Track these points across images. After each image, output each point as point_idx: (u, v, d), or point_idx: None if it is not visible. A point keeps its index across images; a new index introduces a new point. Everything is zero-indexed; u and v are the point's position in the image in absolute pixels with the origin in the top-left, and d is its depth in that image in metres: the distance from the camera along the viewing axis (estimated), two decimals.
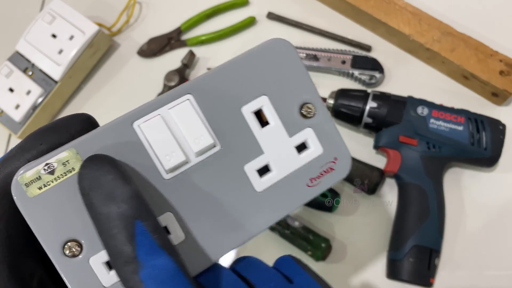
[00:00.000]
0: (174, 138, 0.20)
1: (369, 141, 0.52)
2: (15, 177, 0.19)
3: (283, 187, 0.22)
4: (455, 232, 0.48)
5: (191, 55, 0.59)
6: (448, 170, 0.50)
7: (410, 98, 0.49)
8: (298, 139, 0.22)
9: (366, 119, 0.49)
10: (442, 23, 0.53)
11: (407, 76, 0.55)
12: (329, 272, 0.49)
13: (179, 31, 0.63)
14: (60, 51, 0.59)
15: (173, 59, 0.61)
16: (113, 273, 0.19)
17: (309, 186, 0.22)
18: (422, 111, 0.48)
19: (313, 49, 0.56)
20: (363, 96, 0.49)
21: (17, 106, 0.59)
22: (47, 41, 0.59)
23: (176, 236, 0.20)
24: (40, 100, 0.59)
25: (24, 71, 0.60)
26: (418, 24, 0.53)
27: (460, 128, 0.47)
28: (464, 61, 0.51)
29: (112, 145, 0.20)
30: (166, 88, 0.59)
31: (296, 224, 0.49)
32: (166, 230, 0.20)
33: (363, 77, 0.54)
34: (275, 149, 0.21)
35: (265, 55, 0.22)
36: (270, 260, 0.53)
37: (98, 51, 0.62)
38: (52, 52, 0.59)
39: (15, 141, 0.62)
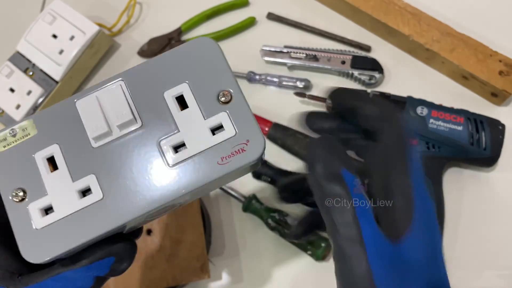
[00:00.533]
0: (102, 113, 0.24)
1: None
2: None
3: (194, 163, 0.24)
4: (455, 231, 0.48)
5: None
6: (448, 170, 0.50)
7: (410, 98, 0.49)
8: (213, 121, 0.25)
9: None
10: (442, 23, 0.53)
11: (406, 77, 0.55)
12: (329, 272, 0.49)
13: (179, 32, 0.63)
14: (61, 51, 0.59)
15: None
16: (44, 218, 0.24)
17: (219, 164, 0.24)
18: (421, 111, 0.48)
19: (313, 50, 0.56)
20: (362, 94, 0.50)
21: (18, 106, 0.59)
22: (48, 41, 0.59)
23: (96, 194, 0.24)
24: (40, 100, 0.59)
25: (25, 71, 0.60)
26: (417, 24, 0.53)
27: (460, 128, 0.47)
28: (463, 61, 0.51)
29: (59, 118, 0.25)
30: None
31: (296, 223, 0.49)
32: (88, 189, 0.24)
33: (363, 77, 0.54)
34: (190, 129, 0.25)
35: (189, 50, 0.26)
36: (269, 260, 0.53)
37: (99, 52, 0.62)
38: (52, 52, 0.59)
39: None
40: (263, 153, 0.25)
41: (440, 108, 0.48)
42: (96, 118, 0.24)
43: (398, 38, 0.55)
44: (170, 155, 0.24)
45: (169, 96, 0.25)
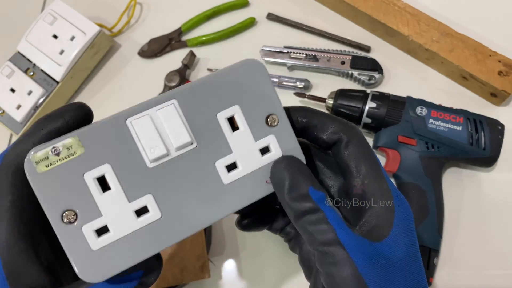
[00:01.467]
0: (158, 134, 0.24)
1: (368, 141, 0.52)
2: (27, 156, 0.23)
3: (246, 182, 0.26)
4: (455, 231, 0.48)
5: (192, 55, 0.60)
6: (447, 170, 0.50)
7: (409, 98, 0.49)
8: (262, 143, 0.26)
9: (365, 119, 0.49)
10: (441, 23, 0.53)
11: (406, 77, 0.55)
12: None
13: (179, 32, 0.63)
14: (61, 52, 0.59)
15: (174, 59, 0.61)
16: (100, 239, 0.24)
17: (267, 182, 0.26)
18: (421, 111, 0.48)
19: (312, 50, 0.56)
20: (362, 97, 0.50)
21: (19, 106, 0.59)
22: (48, 42, 0.60)
23: (154, 214, 0.24)
24: (41, 100, 0.59)
25: (26, 71, 0.60)
26: (417, 24, 0.53)
27: (459, 128, 0.47)
28: (463, 61, 0.51)
29: (109, 136, 0.24)
30: (167, 88, 0.59)
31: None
32: (146, 209, 0.24)
33: (363, 78, 0.54)
34: (242, 150, 0.26)
35: (240, 72, 0.27)
36: (269, 259, 0.54)
37: (99, 52, 0.62)
38: (53, 52, 0.59)
39: None
40: None
41: (440, 108, 0.48)
42: (153, 139, 0.24)
43: (398, 39, 0.55)
44: (225, 175, 0.26)
45: (222, 117, 0.26)
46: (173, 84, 0.59)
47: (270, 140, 0.26)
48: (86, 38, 0.59)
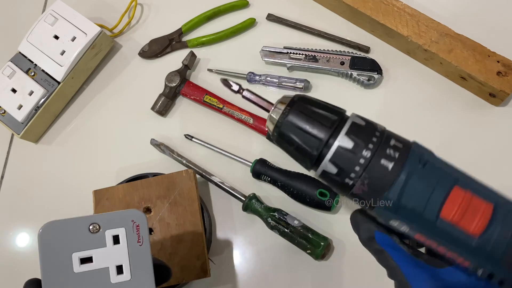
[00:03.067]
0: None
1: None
2: None
3: None
4: None
5: (192, 56, 0.60)
6: None
7: (414, 154, 0.27)
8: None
9: (328, 165, 0.28)
10: (440, 24, 0.53)
11: (405, 77, 0.56)
12: (328, 271, 0.49)
13: (180, 33, 0.63)
14: (63, 52, 0.59)
15: (174, 60, 0.62)
16: None
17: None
18: (401, 226, 0.28)
19: (312, 50, 0.57)
20: (332, 121, 0.28)
21: (20, 107, 0.59)
22: (50, 42, 0.60)
23: None
24: (42, 100, 0.60)
25: (27, 72, 0.61)
26: (416, 25, 0.54)
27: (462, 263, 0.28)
28: (461, 62, 0.51)
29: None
30: (167, 88, 0.59)
31: (296, 223, 0.49)
32: None
33: (362, 78, 0.54)
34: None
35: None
36: (269, 258, 0.54)
37: (100, 52, 0.63)
38: (54, 53, 0.60)
39: (18, 141, 0.63)
40: None
41: (436, 239, 0.27)
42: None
43: (397, 39, 0.55)
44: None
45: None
46: (174, 84, 0.59)
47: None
48: (87, 39, 0.59)
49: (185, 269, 0.48)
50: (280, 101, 0.30)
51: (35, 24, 0.61)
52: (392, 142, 0.27)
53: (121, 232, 0.31)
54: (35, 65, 0.61)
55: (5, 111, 0.60)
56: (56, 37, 0.60)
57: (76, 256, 0.30)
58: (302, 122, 0.28)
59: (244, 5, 0.63)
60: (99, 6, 0.68)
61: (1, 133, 0.64)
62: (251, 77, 0.58)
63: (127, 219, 0.31)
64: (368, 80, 0.54)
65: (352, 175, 0.27)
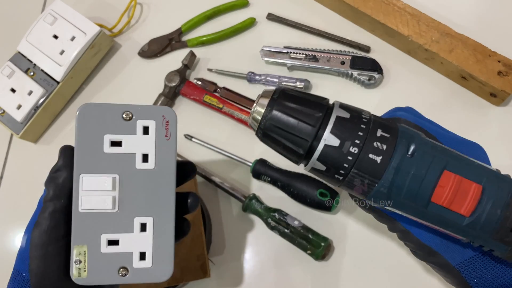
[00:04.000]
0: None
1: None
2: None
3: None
4: None
5: (192, 55, 0.60)
6: None
7: (404, 132, 0.27)
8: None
9: (316, 163, 0.28)
10: (441, 24, 0.53)
11: (405, 77, 0.55)
12: (329, 271, 0.49)
13: (179, 32, 0.63)
14: (62, 52, 0.59)
15: (174, 59, 0.62)
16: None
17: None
18: (393, 210, 0.29)
19: (312, 50, 0.56)
20: (317, 118, 0.27)
21: (19, 107, 0.59)
22: (49, 42, 0.60)
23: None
24: (41, 100, 0.60)
25: (26, 71, 0.61)
26: (416, 25, 0.54)
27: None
28: (462, 61, 0.51)
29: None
30: (167, 88, 0.59)
31: (296, 223, 0.49)
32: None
33: (362, 78, 0.54)
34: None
35: None
36: (269, 259, 0.53)
37: (100, 52, 0.62)
38: (53, 52, 0.59)
39: (17, 141, 0.62)
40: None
41: (428, 222, 0.28)
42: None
43: (397, 39, 0.55)
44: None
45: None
46: (173, 84, 0.59)
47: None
48: (87, 38, 0.59)
49: (185, 269, 0.48)
50: (262, 96, 0.29)
51: (34, 23, 0.61)
52: (379, 132, 0.27)
53: (151, 124, 0.33)
54: (34, 65, 0.61)
55: (4, 111, 0.60)
56: (56, 37, 0.60)
57: (107, 138, 0.32)
58: (286, 122, 0.27)
59: (244, 4, 0.63)
60: (98, 6, 0.68)
61: (0, 133, 0.64)
62: (251, 77, 0.58)
63: (158, 114, 0.33)
64: (369, 79, 0.54)
65: (342, 171, 0.27)
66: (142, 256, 0.33)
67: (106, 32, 0.64)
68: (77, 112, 0.32)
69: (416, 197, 0.26)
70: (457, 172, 0.26)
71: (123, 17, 0.65)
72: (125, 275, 0.32)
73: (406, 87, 0.55)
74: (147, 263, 0.33)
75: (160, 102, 0.59)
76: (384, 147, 0.26)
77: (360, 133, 0.26)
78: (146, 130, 0.33)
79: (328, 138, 0.26)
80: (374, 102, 0.55)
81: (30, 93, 0.59)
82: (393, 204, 0.27)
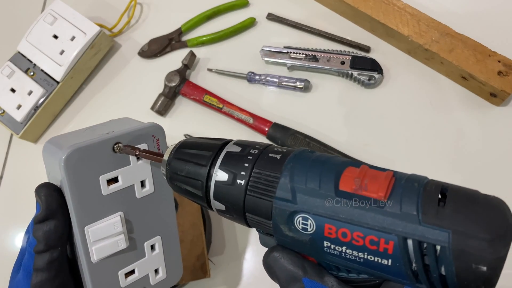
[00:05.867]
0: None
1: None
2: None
3: None
4: None
5: (192, 55, 0.60)
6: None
7: (289, 167, 0.24)
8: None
9: (215, 203, 0.26)
10: (441, 23, 0.53)
11: (405, 77, 0.55)
12: None
13: (179, 32, 0.63)
14: (62, 52, 0.59)
15: (174, 59, 0.62)
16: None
17: None
18: (304, 224, 0.23)
19: (312, 50, 0.56)
20: (208, 156, 0.26)
21: (19, 107, 0.59)
22: (49, 42, 0.60)
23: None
24: (41, 100, 0.60)
25: (26, 71, 0.61)
26: (417, 25, 0.53)
27: (387, 262, 0.21)
28: (462, 61, 0.51)
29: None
30: (167, 88, 0.59)
31: None
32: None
33: (362, 78, 0.54)
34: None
35: None
36: None
37: (100, 52, 0.62)
38: (53, 52, 0.59)
39: (17, 141, 0.62)
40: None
41: (344, 219, 0.22)
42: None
43: (398, 39, 0.55)
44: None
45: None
46: (173, 84, 0.59)
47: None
48: (87, 38, 0.59)
49: (185, 269, 0.47)
50: (168, 148, 0.29)
51: (34, 23, 0.61)
52: (271, 154, 0.25)
53: (144, 148, 0.31)
54: (34, 64, 0.61)
55: (4, 111, 0.60)
56: (55, 37, 0.60)
57: (103, 179, 0.29)
58: (183, 166, 0.27)
59: (244, 4, 0.63)
60: (98, 6, 0.68)
61: (0, 133, 0.63)
62: (251, 77, 0.58)
63: (148, 135, 0.31)
64: (369, 79, 0.54)
65: (238, 207, 0.25)
66: (157, 271, 0.34)
67: (106, 32, 0.64)
68: (62, 163, 0.27)
69: (321, 186, 0.23)
70: (361, 166, 0.23)
71: (123, 17, 0.65)
72: None
73: (406, 87, 0.55)
74: (162, 275, 0.34)
75: (160, 102, 0.59)
76: (279, 156, 0.24)
77: (246, 164, 0.25)
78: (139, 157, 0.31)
79: (218, 174, 0.25)
80: (374, 102, 0.55)
81: (30, 93, 0.59)
82: (299, 203, 0.23)
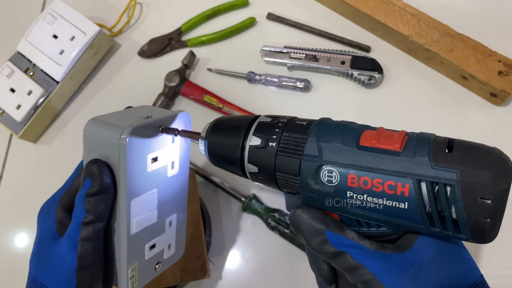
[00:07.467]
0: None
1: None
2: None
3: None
4: None
5: (192, 55, 0.60)
6: None
7: (318, 127, 0.28)
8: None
9: (248, 166, 0.29)
10: (441, 23, 0.53)
11: (406, 77, 0.55)
12: None
13: (179, 32, 0.63)
14: (61, 52, 0.59)
15: (174, 59, 0.61)
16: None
17: None
18: (329, 177, 0.26)
19: (312, 50, 0.56)
20: (240, 128, 0.30)
21: (19, 106, 0.59)
22: (48, 42, 0.60)
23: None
24: (41, 100, 0.59)
25: (25, 71, 0.60)
26: (417, 24, 0.53)
27: (403, 205, 0.25)
28: (463, 61, 0.51)
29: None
30: (167, 88, 0.59)
31: None
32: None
33: (362, 78, 0.54)
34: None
35: None
36: (270, 259, 0.53)
37: (99, 52, 0.62)
38: (53, 52, 0.59)
39: (17, 141, 0.62)
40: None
41: (363, 167, 0.25)
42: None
43: (398, 39, 0.55)
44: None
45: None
46: (173, 84, 0.58)
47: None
48: (86, 38, 0.59)
49: (185, 270, 0.47)
50: (204, 129, 0.33)
51: (34, 23, 0.61)
52: (298, 121, 0.29)
53: None
54: (34, 64, 0.60)
55: (3, 111, 0.60)
56: (55, 37, 0.60)
57: (149, 157, 0.32)
58: (220, 138, 0.31)
59: (244, 4, 0.62)
60: (98, 5, 0.68)
61: None
62: (251, 77, 0.58)
63: (181, 121, 0.34)
64: (369, 79, 0.54)
65: (270, 167, 0.29)
66: (169, 246, 0.36)
67: (106, 32, 0.64)
68: (127, 138, 0.29)
69: (344, 142, 0.27)
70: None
71: (123, 17, 0.65)
72: (159, 268, 0.35)
73: (406, 87, 0.55)
74: (172, 251, 0.36)
75: (160, 102, 0.58)
76: (305, 123, 0.29)
77: (277, 130, 0.29)
78: (172, 139, 0.34)
79: (252, 139, 0.29)
80: (374, 102, 0.55)
81: (29, 93, 0.59)
82: (325, 157, 0.26)
